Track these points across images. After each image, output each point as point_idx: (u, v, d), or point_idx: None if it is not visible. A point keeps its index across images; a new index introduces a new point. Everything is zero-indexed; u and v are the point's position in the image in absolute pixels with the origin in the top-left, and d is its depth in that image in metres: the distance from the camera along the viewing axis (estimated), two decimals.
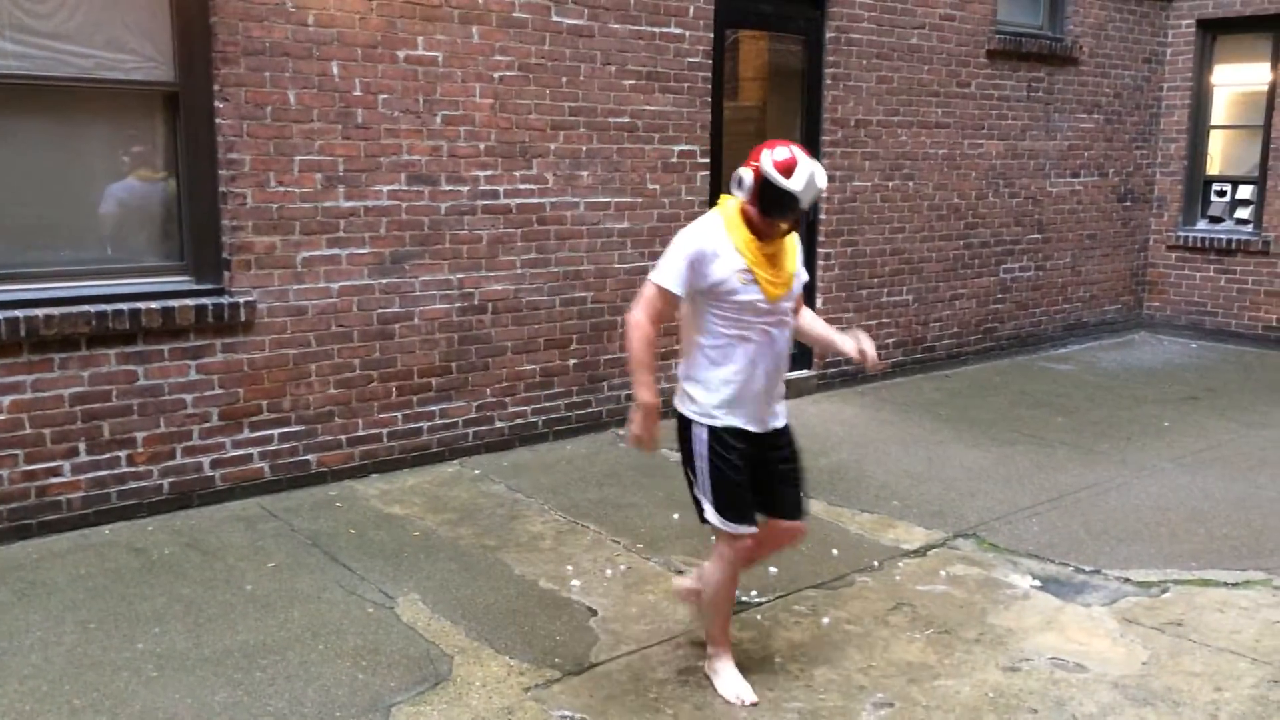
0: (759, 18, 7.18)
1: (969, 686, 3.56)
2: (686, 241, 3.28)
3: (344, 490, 5.33)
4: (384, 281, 5.47)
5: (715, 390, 3.34)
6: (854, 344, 3.43)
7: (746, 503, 3.38)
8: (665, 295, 3.27)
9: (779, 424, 3.48)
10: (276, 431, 5.22)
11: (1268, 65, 9.26)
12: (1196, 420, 6.97)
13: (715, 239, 3.26)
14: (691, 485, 3.49)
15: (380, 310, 5.48)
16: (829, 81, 7.28)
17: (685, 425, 3.43)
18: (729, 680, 3.51)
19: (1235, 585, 4.39)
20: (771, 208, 3.19)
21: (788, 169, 3.15)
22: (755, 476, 3.41)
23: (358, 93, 5.27)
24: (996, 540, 4.85)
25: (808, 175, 3.16)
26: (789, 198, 3.16)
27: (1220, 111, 9.78)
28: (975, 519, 5.12)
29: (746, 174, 3.24)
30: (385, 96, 5.35)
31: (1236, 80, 9.65)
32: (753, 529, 3.41)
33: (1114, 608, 4.17)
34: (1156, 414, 7.08)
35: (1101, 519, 5.12)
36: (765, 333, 3.31)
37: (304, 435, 5.31)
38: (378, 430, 5.55)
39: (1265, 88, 9.31)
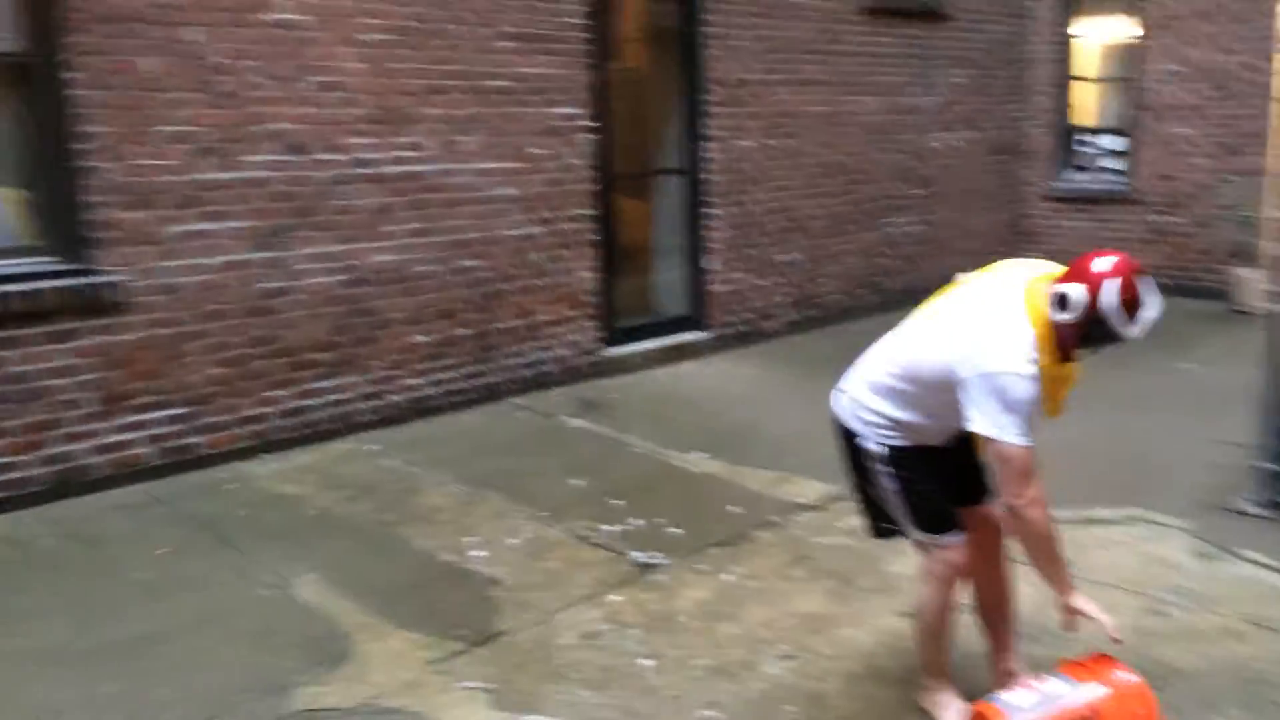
0: None
1: (867, 633, 3.64)
2: (1017, 379, 2.66)
3: (234, 472, 5.17)
4: (263, 255, 5.28)
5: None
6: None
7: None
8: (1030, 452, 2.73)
9: None
10: (159, 415, 5.02)
11: (1129, 18, 9.57)
12: (1084, 366, 7.21)
13: (1032, 364, 2.68)
14: None
15: (260, 285, 5.29)
16: (709, 41, 7.26)
17: None
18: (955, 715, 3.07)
19: (1116, 522, 4.57)
20: (1096, 342, 2.70)
21: (1131, 306, 2.64)
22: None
23: (222, 59, 5.05)
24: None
25: (1149, 318, 2.68)
26: (1120, 340, 2.68)
27: (1086, 64, 10.09)
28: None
29: (1078, 296, 2.65)
30: (251, 63, 5.14)
31: (1100, 33, 9.96)
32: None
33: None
34: None
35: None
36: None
37: (189, 417, 5.12)
38: (266, 409, 5.38)
39: (1128, 40, 9.64)
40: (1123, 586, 3.96)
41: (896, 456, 2.94)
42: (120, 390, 4.89)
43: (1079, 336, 2.68)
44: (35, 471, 4.70)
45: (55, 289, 4.63)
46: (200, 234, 5.07)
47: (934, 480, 2.95)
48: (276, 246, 5.32)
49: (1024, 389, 2.65)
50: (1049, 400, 2.72)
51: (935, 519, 2.93)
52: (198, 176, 5.03)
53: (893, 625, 3.67)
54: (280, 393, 5.42)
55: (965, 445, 2.99)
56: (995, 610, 3.20)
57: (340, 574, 4.07)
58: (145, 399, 4.97)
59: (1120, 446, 5.51)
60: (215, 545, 4.34)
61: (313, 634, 3.63)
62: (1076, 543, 4.34)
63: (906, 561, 4.13)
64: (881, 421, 2.96)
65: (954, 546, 2.93)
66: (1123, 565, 4.15)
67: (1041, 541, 2.74)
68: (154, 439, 5.02)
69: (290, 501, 4.81)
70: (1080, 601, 2.79)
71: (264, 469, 5.22)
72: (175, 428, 5.08)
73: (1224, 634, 3.62)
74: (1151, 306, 2.66)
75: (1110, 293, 2.62)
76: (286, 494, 4.90)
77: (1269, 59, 8.53)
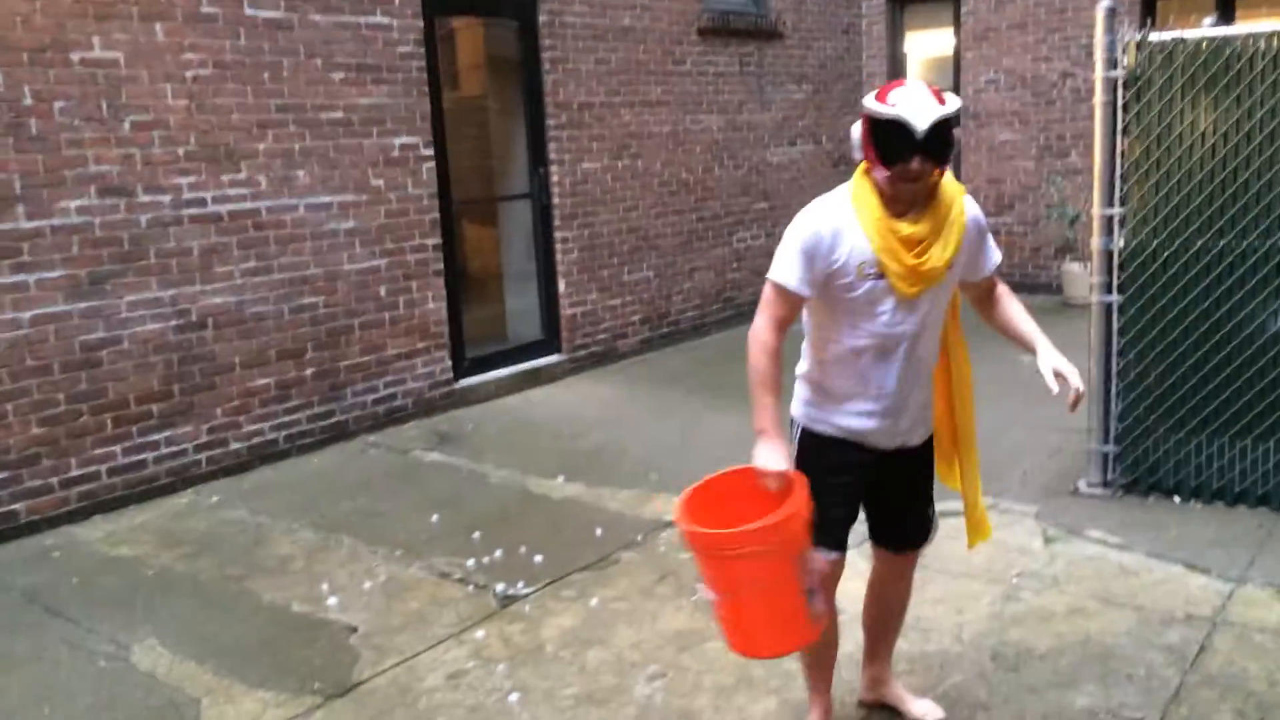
0: (469, 4, 7.06)
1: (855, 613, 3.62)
2: (799, 225, 2.66)
3: (62, 537, 4.83)
4: (83, 305, 4.98)
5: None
6: (1050, 369, 2.73)
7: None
8: (785, 295, 2.66)
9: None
10: None
11: (950, 31, 10.00)
12: None
13: (836, 217, 2.63)
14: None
15: (82, 337, 4.99)
16: (548, 66, 7.24)
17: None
18: None
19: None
20: (886, 151, 2.51)
21: (883, 95, 2.52)
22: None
23: (29, 101, 4.76)
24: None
25: (912, 94, 2.49)
26: (896, 127, 2.46)
27: (914, 76, 10.49)
28: None
29: (855, 125, 2.64)
30: (62, 104, 4.86)
31: (925, 46, 10.38)
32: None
33: (863, 549, 4.35)
34: None
35: None
36: (895, 330, 2.67)
37: (8, 483, 4.77)
38: (95, 468, 5.06)
39: (950, 52, 10.06)
40: (976, 575, 4.05)
41: (806, 443, 2.84)
42: None
43: (877, 156, 2.53)
44: None
45: None
46: (13, 287, 4.75)
47: (838, 493, 2.79)
48: (98, 295, 5.02)
49: (801, 228, 2.63)
50: (895, 264, 2.57)
51: (816, 527, 2.73)
52: (7, 226, 4.72)
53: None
54: (110, 449, 5.11)
55: (901, 482, 2.93)
56: (878, 628, 3.18)
57: (185, 636, 3.84)
58: None
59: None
60: (44, 618, 4.03)
61: (156, 704, 3.40)
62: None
63: None
64: (802, 393, 2.89)
65: (824, 560, 2.79)
66: (975, 554, 4.24)
67: (751, 372, 2.70)
68: None
69: (126, 564, 4.52)
70: (761, 452, 2.65)
71: (95, 531, 4.90)
72: None
73: (1074, 613, 3.74)
74: (910, 92, 2.50)
75: (868, 98, 2.56)
76: (122, 556, 4.61)
77: (1084, 66, 9.03)
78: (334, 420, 6.06)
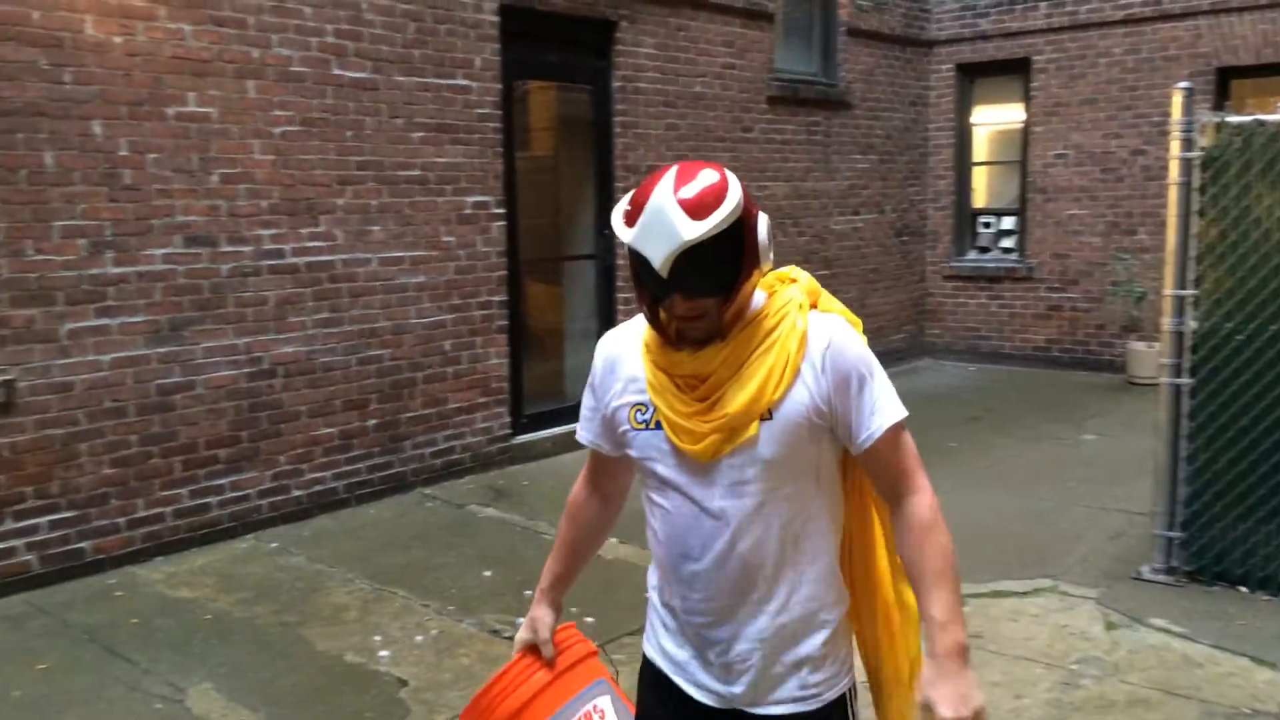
0: (547, 68, 7.24)
1: None
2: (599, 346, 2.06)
3: (125, 577, 4.94)
4: (162, 350, 5.14)
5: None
6: (928, 698, 1.81)
7: None
8: (590, 450, 2.13)
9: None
10: (44, 520, 4.79)
11: (1020, 105, 10.02)
12: (980, 439, 7.36)
13: (624, 338, 2.02)
14: None
15: (159, 381, 5.14)
16: (618, 130, 7.38)
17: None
18: None
19: (1026, 594, 4.62)
20: (644, 282, 1.81)
21: (635, 199, 1.80)
22: None
23: (124, 152, 4.96)
24: None
25: (656, 209, 1.73)
26: (632, 255, 1.79)
27: (981, 148, 10.50)
28: None
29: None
30: (155, 155, 5.06)
31: (994, 119, 10.40)
32: None
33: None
34: (943, 435, 7.45)
35: None
36: (693, 508, 1.88)
37: (76, 521, 4.90)
38: (161, 509, 5.18)
39: (1019, 125, 10.07)
40: (1035, 659, 3.98)
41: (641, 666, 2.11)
42: (3, 495, 4.67)
43: (637, 280, 1.82)
44: None
45: None
46: (96, 330, 4.91)
47: None
48: (176, 341, 5.18)
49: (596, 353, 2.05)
50: (668, 410, 1.85)
51: None
52: (95, 271, 4.90)
53: None
54: (177, 491, 5.23)
55: None
56: None
57: (238, 681, 3.89)
58: (31, 503, 4.75)
59: (1027, 518, 5.59)
60: (103, 657, 4.12)
61: None
62: (988, 615, 4.38)
63: None
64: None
65: None
66: (1035, 637, 4.17)
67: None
68: (38, 545, 4.78)
69: (185, 606, 4.61)
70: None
71: (156, 573, 5.00)
72: (61, 532, 4.85)
73: (1136, 703, 3.65)
74: (656, 202, 1.74)
75: (619, 205, 1.85)
76: (181, 598, 4.70)
77: (1155, 144, 8.98)
78: (393, 471, 6.15)
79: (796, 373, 1.82)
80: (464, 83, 6.34)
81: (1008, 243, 10.29)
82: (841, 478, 1.97)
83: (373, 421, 6.03)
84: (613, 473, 2.14)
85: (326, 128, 5.70)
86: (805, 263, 9.01)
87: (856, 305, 9.65)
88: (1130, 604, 4.47)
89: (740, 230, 1.77)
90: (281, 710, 3.68)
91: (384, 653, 4.12)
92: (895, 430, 1.85)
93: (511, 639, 4.17)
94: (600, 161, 7.41)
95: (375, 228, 5.96)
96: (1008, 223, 10.29)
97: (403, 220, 6.09)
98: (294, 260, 5.62)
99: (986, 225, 10.43)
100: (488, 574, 4.90)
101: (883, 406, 1.84)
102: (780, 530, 1.86)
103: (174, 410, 5.20)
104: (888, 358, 10.02)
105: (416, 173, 6.14)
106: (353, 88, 5.80)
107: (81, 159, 4.83)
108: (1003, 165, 10.36)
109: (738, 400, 1.80)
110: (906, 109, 10.12)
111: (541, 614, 2.15)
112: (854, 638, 2.02)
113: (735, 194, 1.76)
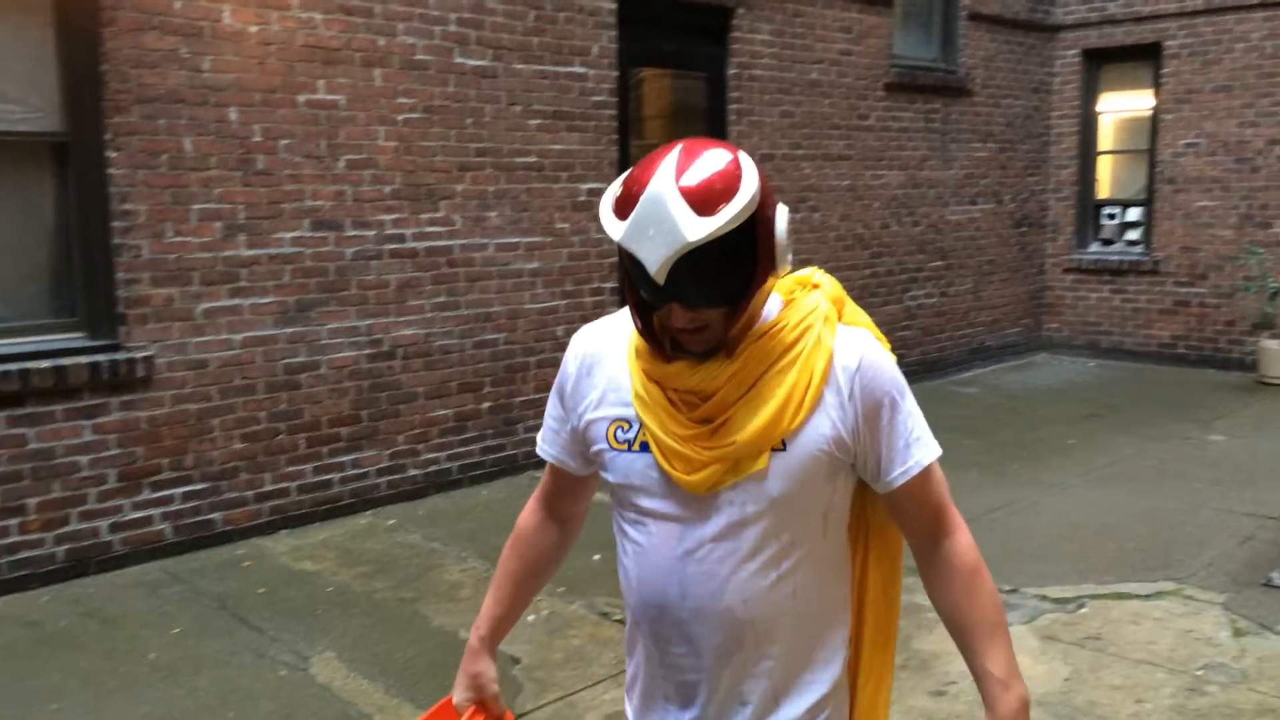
0: (663, 56, 7.24)
1: (899, 713, 3.55)
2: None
3: (252, 548, 5.14)
4: (289, 331, 5.33)
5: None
6: None
7: None
8: (549, 467, 1.84)
9: None
10: (179, 491, 5.02)
11: (1149, 92, 9.65)
12: (1100, 437, 7.15)
13: (604, 337, 1.71)
14: None
15: (286, 360, 5.33)
16: (733, 117, 7.36)
17: None
18: None
19: (1148, 597, 4.48)
20: (637, 285, 1.52)
21: (626, 185, 1.50)
22: None
23: (258, 139, 5.15)
24: (912, 563, 4.87)
25: (652, 202, 1.43)
26: (622, 255, 1.51)
27: (1107, 137, 10.15)
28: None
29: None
30: (286, 142, 5.24)
31: (1120, 107, 10.04)
32: None
33: (1033, 625, 4.22)
34: (1062, 433, 7.25)
35: (1016, 538, 5.20)
36: (678, 547, 1.60)
37: (208, 493, 5.12)
38: (286, 484, 5.38)
39: (1148, 113, 9.70)
40: (1159, 664, 3.86)
41: None
42: (141, 466, 4.90)
43: (627, 279, 1.54)
44: (53, 550, 4.69)
45: (82, 365, 4.66)
46: (229, 309, 5.12)
47: None
48: (303, 321, 5.36)
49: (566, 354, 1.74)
50: (661, 431, 1.55)
51: None
52: (229, 253, 5.10)
53: (925, 705, 3.58)
54: (301, 467, 5.42)
55: None
56: None
57: (359, 653, 4.03)
58: (166, 475, 4.98)
59: (1152, 519, 5.41)
60: (233, 624, 4.30)
61: (331, 716, 3.57)
62: (1108, 616, 4.26)
63: (935, 638, 4.06)
64: None
65: None
66: (1157, 641, 4.05)
67: None
68: (173, 515, 5.02)
69: (308, 578, 4.78)
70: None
71: (281, 545, 5.19)
72: (194, 504, 5.08)
73: (1265, 713, 3.52)
74: (653, 193, 1.43)
75: (610, 188, 1.54)
76: (305, 570, 4.87)
77: None
78: (505, 454, 6.26)
79: (819, 397, 1.54)
80: (581, 70, 6.40)
81: (1133, 235, 9.94)
82: (850, 518, 1.70)
83: (486, 404, 6.15)
84: (578, 493, 1.86)
85: (447, 115, 5.82)
86: (920, 252, 8.87)
87: (971, 298, 9.46)
88: (1260, 611, 4.30)
89: (755, 227, 1.46)
90: (399, 682, 3.79)
91: None
92: (931, 466, 1.61)
93: (619, 622, 4.22)
94: None
95: (492, 214, 6.07)
96: (1133, 214, 9.94)
97: (519, 206, 6.18)
98: (414, 245, 5.76)
99: (1111, 217, 10.09)
100: (597, 558, 4.95)
101: (918, 438, 1.59)
102: (778, 579, 1.58)
103: (300, 389, 5.38)
104: (1003, 351, 9.81)
105: (533, 160, 6.22)
106: (473, 75, 5.90)
107: (218, 145, 5.03)
108: (1129, 154, 10.00)
109: (749, 426, 1.52)
110: (1028, 96, 9.84)
111: (484, 668, 1.85)
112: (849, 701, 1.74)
113: (751, 182, 1.45)
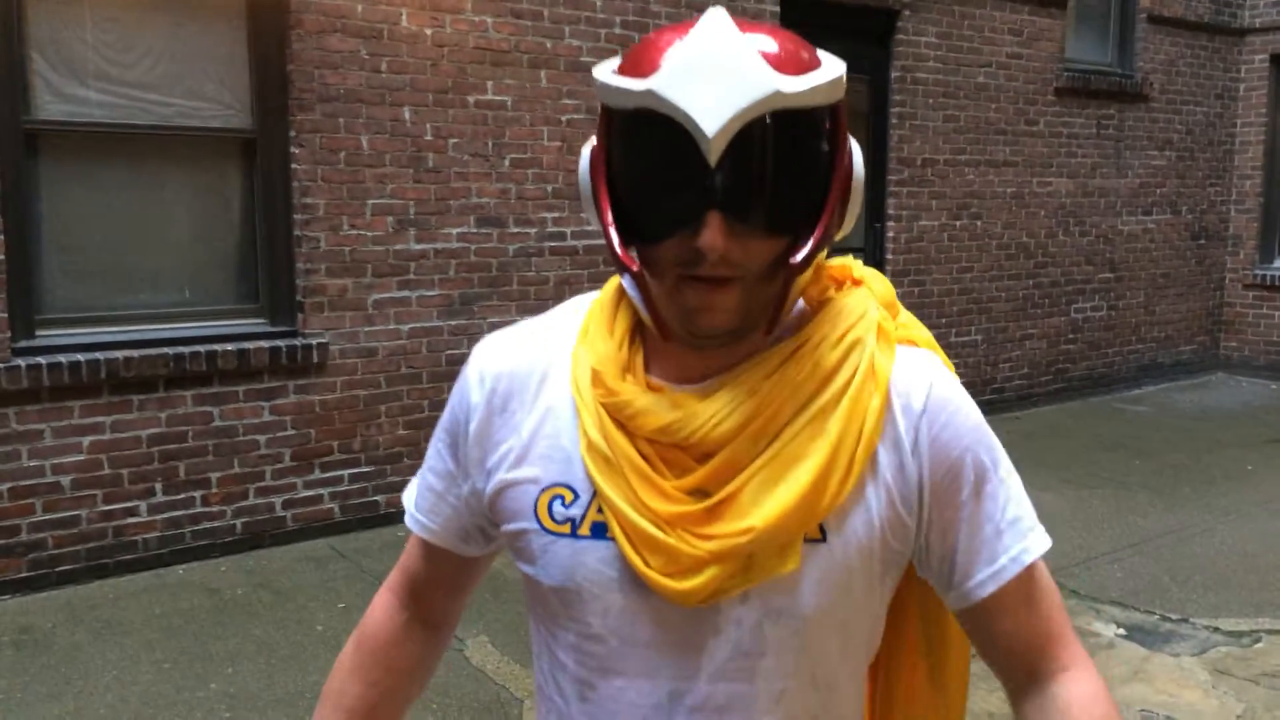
0: None
1: None
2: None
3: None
4: (452, 323, 5.50)
5: None
6: None
7: None
8: (418, 545, 1.32)
9: None
10: (346, 472, 5.26)
11: None
12: (1260, 465, 6.73)
13: (538, 347, 1.19)
14: None
15: (449, 352, 5.51)
16: (894, 121, 7.23)
17: None
18: None
19: None
20: (633, 197, 1.04)
21: (642, 48, 1.00)
22: None
23: (429, 137, 5.34)
24: (1077, 586, 4.70)
25: (710, 47, 0.94)
26: (657, 129, 0.95)
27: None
28: (1053, 565, 4.94)
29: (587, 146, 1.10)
30: (455, 140, 5.42)
31: None
32: None
33: (1204, 658, 4.01)
34: (1239, 457, 6.86)
35: (1186, 565, 4.95)
36: (653, 696, 1.04)
37: (373, 476, 5.34)
38: None
39: None
40: None
41: None
42: (313, 448, 5.15)
43: (610, 211, 1.08)
44: (231, 522, 4.98)
45: (263, 349, 4.93)
46: (398, 301, 5.32)
47: None
48: (465, 315, 5.53)
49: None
50: (624, 503, 1.01)
51: None
52: (399, 246, 5.30)
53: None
54: None
55: None
56: None
57: (511, 638, 4.13)
58: (336, 457, 5.21)
59: None
60: None
61: (484, 698, 3.67)
62: (1243, 659, 4.01)
63: (1097, 663, 3.90)
64: None
65: None
66: None
67: None
68: (341, 495, 5.25)
69: None
70: None
71: None
72: (360, 485, 5.30)
73: None
74: (696, 39, 0.97)
75: (603, 66, 1.05)
76: None
77: None
78: None
79: (872, 453, 1.01)
80: None
81: None
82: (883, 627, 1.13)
83: None
84: (460, 584, 1.27)
85: None
86: (1087, 264, 8.52)
87: (1143, 312, 9.04)
88: None
89: (837, 133, 1.00)
90: None
91: None
92: (1035, 566, 1.10)
93: None
94: (875, 152, 7.28)
95: None
96: None
97: None
98: (573, 243, 5.87)
99: None
100: None
101: (1017, 521, 1.08)
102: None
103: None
104: (1176, 369, 9.35)
105: None
106: None
107: (392, 143, 5.23)
108: None
109: (772, 503, 0.97)
110: (1211, 102, 9.34)
111: None
112: None
113: (837, 60, 1.02)
